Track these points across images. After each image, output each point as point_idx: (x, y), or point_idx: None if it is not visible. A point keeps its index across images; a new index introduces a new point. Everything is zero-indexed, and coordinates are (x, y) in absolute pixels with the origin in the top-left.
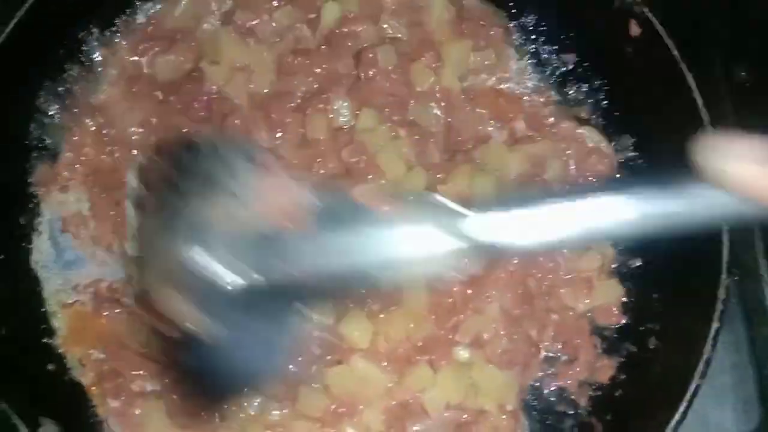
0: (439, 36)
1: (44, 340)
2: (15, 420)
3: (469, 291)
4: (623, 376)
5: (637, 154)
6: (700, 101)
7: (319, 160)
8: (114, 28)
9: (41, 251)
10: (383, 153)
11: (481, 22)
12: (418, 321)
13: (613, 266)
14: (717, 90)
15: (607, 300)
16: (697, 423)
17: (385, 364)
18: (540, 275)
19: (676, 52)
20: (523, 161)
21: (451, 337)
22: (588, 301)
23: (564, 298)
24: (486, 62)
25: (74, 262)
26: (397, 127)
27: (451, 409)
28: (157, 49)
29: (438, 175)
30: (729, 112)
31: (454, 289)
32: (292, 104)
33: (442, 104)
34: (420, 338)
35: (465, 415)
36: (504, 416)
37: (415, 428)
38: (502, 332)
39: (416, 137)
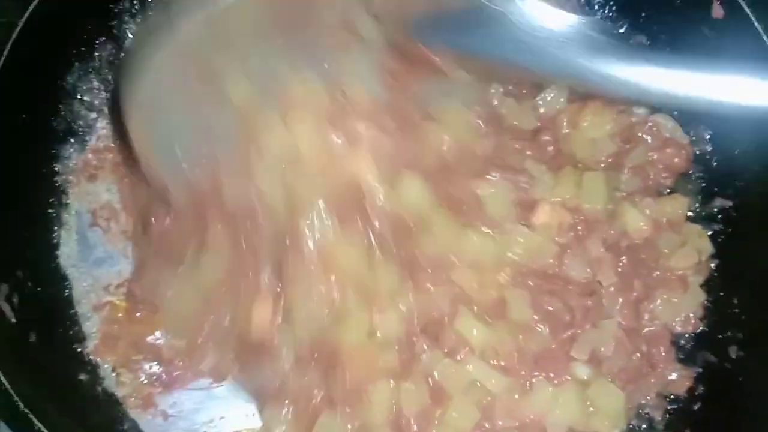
0: None
1: (75, 347)
2: None
3: (588, 302)
4: (702, 389)
5: (712, 148)
6: None
7: None
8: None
9: (69, 248)
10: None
11: None
12: (525, 331)
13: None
14: None
15: (691, 304)
16: None
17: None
18: (645, 272)
19: (766, 38)
20: (611, 141)
21: (567, 351)
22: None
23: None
24: None
25: (105, 260)
26: None
27: None
28: None
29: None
30: None
31: (572, 303)
32: None
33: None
34: (533, 353)
35: None
36: None
37: None
38: (621, 348)
39: None
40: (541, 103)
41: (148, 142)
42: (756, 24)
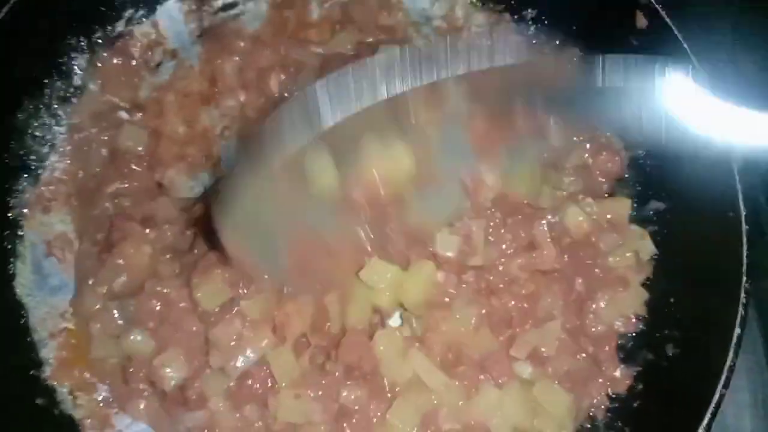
0: None
1: (32, 373)
2: None
3: (525, 305)
4: (641, 386)
5: (646, 153)
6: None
7: None
8: (95, 38)
9: (25, 278)
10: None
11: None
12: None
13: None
14: (723, 82)
15: (634, 303)
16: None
17: (446, 377)
18: (585, 272)
19: (686, 45)
20: None
21: (510, 352)
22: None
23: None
24: None
25: (60, 288)
26: None
27: None
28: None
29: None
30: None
31: (511, 303)
32: None
33: None
34: (478, 353)
35: None
36: None
37: None
38: (564, 348)
39: None
40: None
41: (244, 247)
42: (675, 32)
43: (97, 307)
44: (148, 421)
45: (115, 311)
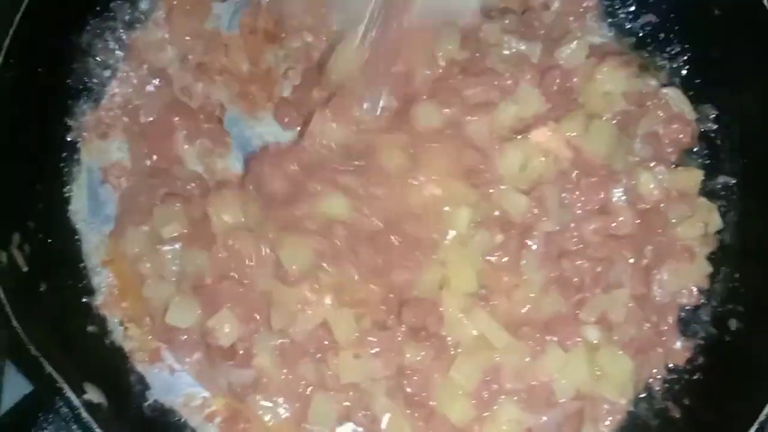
0: None
1: (84, 299)
2: (62, 384)
3: (598, 269)
4: (701, 360)
5: (717, 127)
6: None
7: None
8: None
9: (80, 203)
10: None
11: None
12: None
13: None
14: None
15: (698, 276)
16: None
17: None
18: (654, 240)
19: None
20: (622, 98)
21: (577, 313)
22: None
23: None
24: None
25: (114, 217)
26: None
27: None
28: None
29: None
30: None
31: (584, 266)
32: None
33: None
34: (545, 315)
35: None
36: (618, 408)
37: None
38: (632, 315)
39: None
40: (562, 56)
41: None
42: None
43: (137, 250)
44: (192, 371)
45: (167, 252)
